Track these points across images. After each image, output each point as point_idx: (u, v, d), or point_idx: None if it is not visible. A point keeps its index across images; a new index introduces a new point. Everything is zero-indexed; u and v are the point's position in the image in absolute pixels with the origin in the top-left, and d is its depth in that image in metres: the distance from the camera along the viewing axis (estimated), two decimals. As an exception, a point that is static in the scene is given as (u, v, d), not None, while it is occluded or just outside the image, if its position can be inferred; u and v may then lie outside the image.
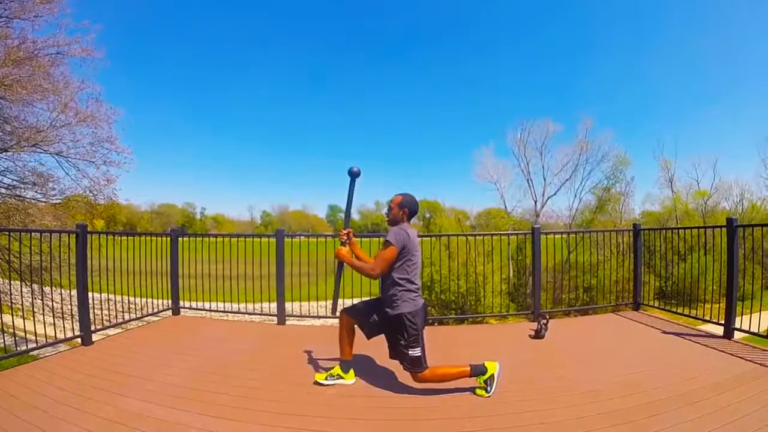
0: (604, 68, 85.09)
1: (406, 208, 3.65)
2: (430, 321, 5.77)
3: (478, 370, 3.48)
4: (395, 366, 3.64)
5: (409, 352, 3.40)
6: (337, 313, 3.86)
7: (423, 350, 3.44)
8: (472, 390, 3.47)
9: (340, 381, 3.68)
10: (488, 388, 3.44)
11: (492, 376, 3.46)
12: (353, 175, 3.77)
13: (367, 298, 3.92)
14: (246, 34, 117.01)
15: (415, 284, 3.56)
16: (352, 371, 3.75)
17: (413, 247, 3.53)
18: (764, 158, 34.88)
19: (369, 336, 3.72)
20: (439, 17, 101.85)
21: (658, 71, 79.56)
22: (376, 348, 3.96)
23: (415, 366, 3.41)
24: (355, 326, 3.74)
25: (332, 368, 3.74)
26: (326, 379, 3.67)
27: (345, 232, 3.83)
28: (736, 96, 71.66)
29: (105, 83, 15.24)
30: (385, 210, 3.86)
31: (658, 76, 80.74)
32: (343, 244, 3.82)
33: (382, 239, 3.73)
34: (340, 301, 4.08)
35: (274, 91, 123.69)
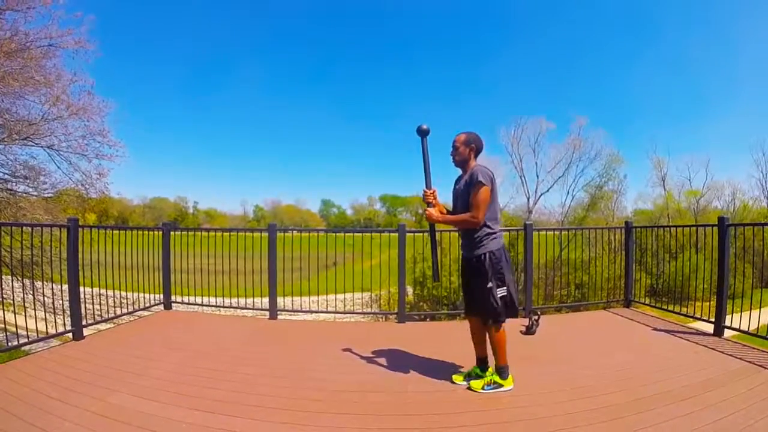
0: (598, 68, 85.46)
1: (473, 145, 3.51)
2: (423, 317, 5.78)
3: (502, 371, 3.47)
4: (386, 362, 3.63)
5: (498, 293, 3.34)
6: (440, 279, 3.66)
7: (510, 294, 3.40)
8: (468, 386, 3.52)
9: (500, 390, 3.43)
10: (487, 387, 3.44)
11: (501, 386, 3.44)
12: (423, 133, 3.54)
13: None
14: (242, 31, 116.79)
15: (498, 223, 3.47)
16: (511, 376, 3.49)
17: (496, 188, 3.44)
18: (756, 158, 35.21)
19: (471, 312, 3.66)
20: (436, 18, 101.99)
21: (653, 71, 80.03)
22: (368, 344, 3.97)
23: (503, 307, 3.37)
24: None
25: (487, 376, 3.53)
26: (483, 389, 3.43)
27: (430, 192, 3.58)
28: (730, 97, 72.28)
29: (98, 76, 15.15)
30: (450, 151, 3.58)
31: (652, 76, 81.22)
32: (429, 205, 3.58)
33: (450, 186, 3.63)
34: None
35: (269, 86, 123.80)
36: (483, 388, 3.42)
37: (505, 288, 3.37)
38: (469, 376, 3.57)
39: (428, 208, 3.56)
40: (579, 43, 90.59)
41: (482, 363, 3.62)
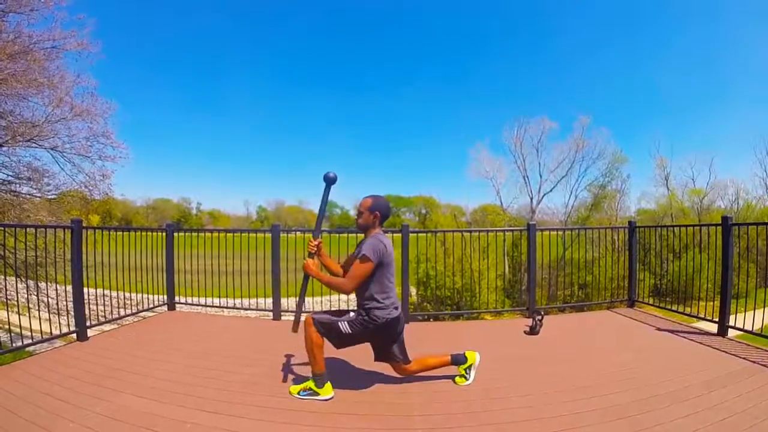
0: (601, 67, 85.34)
1: (377, 212, 3.39)
2: (427, 317, 5.76)
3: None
4: (388, 365, 3.63)
5: (341, 324, 3.27)
6: (299, 330, 3.48)
7: (347, 339, 3.32)
8: (454, 378, 3.63)
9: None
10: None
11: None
12: (329, 181, 3.42)
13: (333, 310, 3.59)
14: (243, 29, 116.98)
15: (390, 298, 3.35)
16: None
17: (390, 260, 3.33)
18: (760, 157, 35.07)
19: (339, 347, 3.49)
20: (438, 15, 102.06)
21: (656, 70, 79.93)
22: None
23: (331, 331, 3.28)
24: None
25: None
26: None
27: (315, 243, 3.46)
28: (733, 95, 72.09)
29: (101, 78, 15.19)
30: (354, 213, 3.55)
31: (655, 74, 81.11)
32: (310, 255, 3.44)
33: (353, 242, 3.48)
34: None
35: (271, 86, 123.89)
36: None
37: (348, 329, 3.28)
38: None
39: (308, 258, 3.43)
40: (581, 41, 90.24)
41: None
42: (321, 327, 3.26)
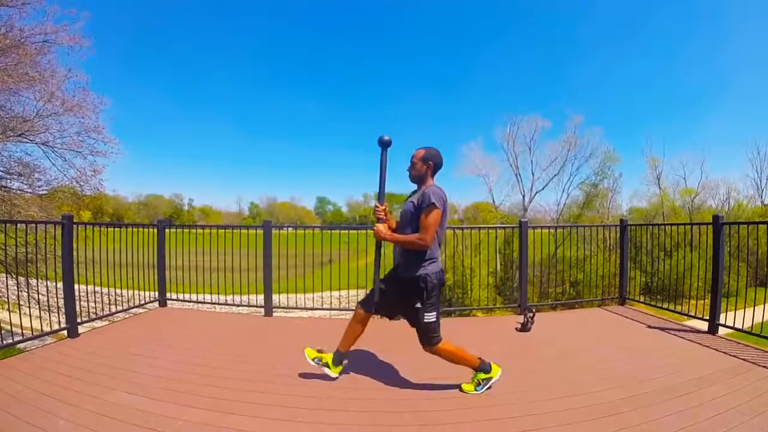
0: (594, 66, 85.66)
1: (430, 162, 3.37)
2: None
3: (484, 367, 3.41)
4: (383, 359, 3.63)
5: (425, 318, 3.25)
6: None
7: (438, 318, 3.30)
8: (459, 387, 3.46)
9: (325, 370, 3.53)
10: (479, 387, 3.38)
11: (491, 378, 3.40)
12: (384, 144, 3.45)
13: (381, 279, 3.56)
14: (236, 25, 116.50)
15: (439, 248, 3.39)
16: (340, 366, 3.58)
17: (447, 211, 3.34)
18: (751, 158, 35.41)
19: (392, 317, 3.69)
20: (432, 14, 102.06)
21: (648, 69, 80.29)
22: (370, 341, 3.97)
23: (429, 333, 3.27)
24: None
25: (324, 354, 3.57)
26: (314, 360, 3.52)
27: (381, 208, 3.49)
28: (725, 95, 72.60)
29: (92, 73, 15.05)
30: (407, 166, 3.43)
31: (648, 74, 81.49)
32: (379, 221, 3.48)
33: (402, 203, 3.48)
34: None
35: (265, 82, 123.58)
36: (476, 389, 3.37)
37: (434, 315, 3.28)
38: (479, 385, 3.43)
39: (377, 224, 3.48)
40: (575, 40, 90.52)
41: (479, 368, 3.47)
42: (434, 340, 3.31)
